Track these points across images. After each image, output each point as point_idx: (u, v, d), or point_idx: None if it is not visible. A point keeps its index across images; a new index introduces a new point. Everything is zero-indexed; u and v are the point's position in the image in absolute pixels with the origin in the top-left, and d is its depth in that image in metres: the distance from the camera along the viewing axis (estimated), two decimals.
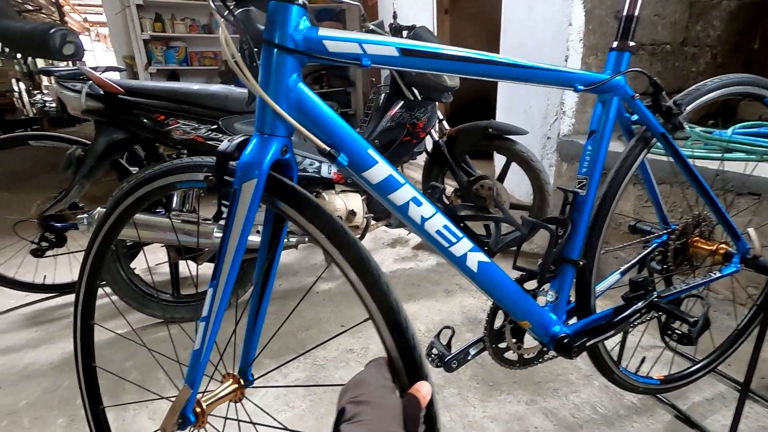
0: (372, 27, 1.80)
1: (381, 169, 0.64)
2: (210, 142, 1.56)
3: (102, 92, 1.47)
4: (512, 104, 2.50)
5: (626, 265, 1.02)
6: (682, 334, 0.86)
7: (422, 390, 0.54)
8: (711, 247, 1.00)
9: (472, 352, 0.94)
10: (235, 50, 0.57)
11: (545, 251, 0.82)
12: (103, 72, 1.54)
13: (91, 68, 1.48)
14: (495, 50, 2.53)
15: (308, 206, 0.58)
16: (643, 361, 1.09)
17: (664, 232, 1.05)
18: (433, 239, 0.71)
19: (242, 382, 0.76)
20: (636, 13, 0.78)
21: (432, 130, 1.99)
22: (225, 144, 0.60)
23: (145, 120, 1.52)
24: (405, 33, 1.90)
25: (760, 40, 2.59)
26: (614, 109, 0.80)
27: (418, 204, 0.68)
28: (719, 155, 1.58)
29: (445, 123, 2.09)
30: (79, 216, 1.50)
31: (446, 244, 0.72)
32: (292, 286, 1.95)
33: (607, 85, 0.78)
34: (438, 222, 0.70)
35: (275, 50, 0.55)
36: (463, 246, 0.73)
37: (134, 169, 1.81)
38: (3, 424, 1.18)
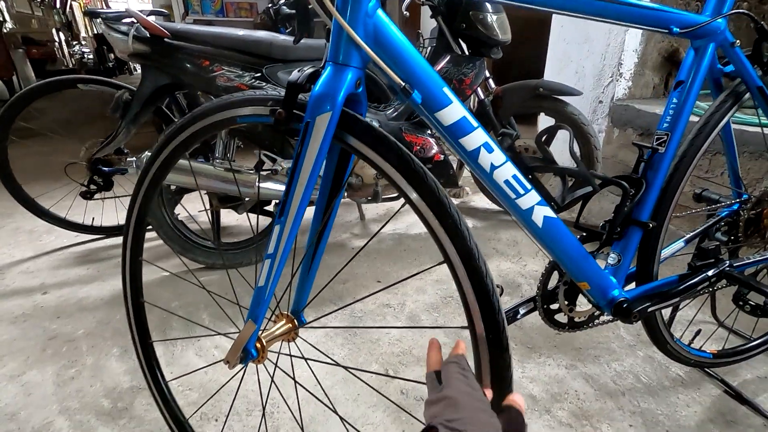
0: None
1: (455, 110, 0.61)
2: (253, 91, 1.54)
3: (148, 35, 1.46)
4: (564, 64, 2.35)
5: (691, 233, 0.96)
6: (757, 306, 0.81)
7: (518, 401, 0.51)
8: None
9: (522, 311, 0.92)
10: None
11: (615, 210, 0.78)
12: (148, 15, 1.51)
13: (138, 11, 1.46)
14: None
15: (387, 145, 0.55)
16: (698, 333, 1.05)
17: (737, 201, 0.98)
18: (501, 189, 0.68)
19: (296, 323, 0.77)
20: None
21: (478, 88, 1.90)
22: (296, 75, 0.57)
23: (189, 65, 1.50)
24: None
25: None
26: (709, 57, 0.73)
27: (490, 150, 0.65)
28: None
29: (491, 81, 1.99)
30: (128, 159, 1.53)
31: (513, 196, 0.69)
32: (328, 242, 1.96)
33: (705, 29, 0.70)
34: (508, 171, 0.67)
35: None
36: (530, 199, 0.70)
37: (177, 118, 1.82)
38: (64, 349, 1.25)
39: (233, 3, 4.25)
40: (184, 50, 1.48)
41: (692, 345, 1.02)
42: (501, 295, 0.96)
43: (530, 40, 2.67)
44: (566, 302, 0.91)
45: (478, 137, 0.63)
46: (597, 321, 0.93)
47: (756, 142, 1.46)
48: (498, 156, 0.65)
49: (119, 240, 1.94)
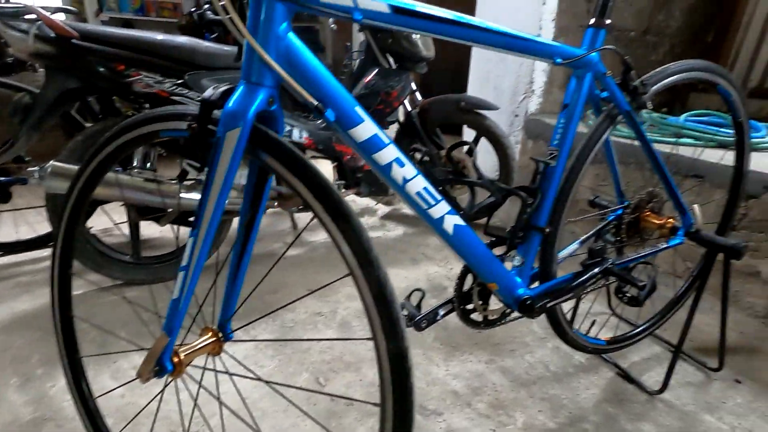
0: None
1: (367, 128, 0.65)
2: (175, 98, 1.48)
3: (53, 35, 1.35)
4: (484, 80, 2.53)
5: (585, 236, 1.09)
6: (632, 297, 0.94)
7: None
8: (660, 221, 1.08)
9: (441, 312, 0.99)
10: None
11: (516, 218, 0.87)
12: (53, 13, 1.40)
13: (41, 7, 1.35)
14: None
15: (293, 159, 0.58)
16: (593, 323, 1.18)
17: (620, 206, 1.13)
18: (413, 200, 0.73)
19: (221, 336, 0.76)
20: None
21: (405, 101, 1.99)
22: (209, 92, 0.58)
23: (102, 69, 1.42)
24: None
25: (715, 34, 2.74)
26: (588, 84, 0.84)
27: (401, 165, 0.69)
28: (673, 140, 1.70)
29: (417, 94, 2.09)
30: (29, 169, 1.40)
31: (425, 206, 0.74)
32: (259, 252, 1.93)
33: (582, 61, 0.81)
34: (419, 184, 0.72)
35: None
36: (441, 208, 0.76)
37: (88, 124, 1.70)
38: None
39: (155, 2, 4.03)
40: (97, 53, 1.39)
41: (589, 334, 1.15)
42: (422, 298, 1.02)
43: (456, 56, 2.83)
44: (480, 302, 0.99)
45: (389, 153, 0.68)
46: (508, 318, 1.03)
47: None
48: (409, 170, 0.70)
49: (18, 258, 1.77)
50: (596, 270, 0.94)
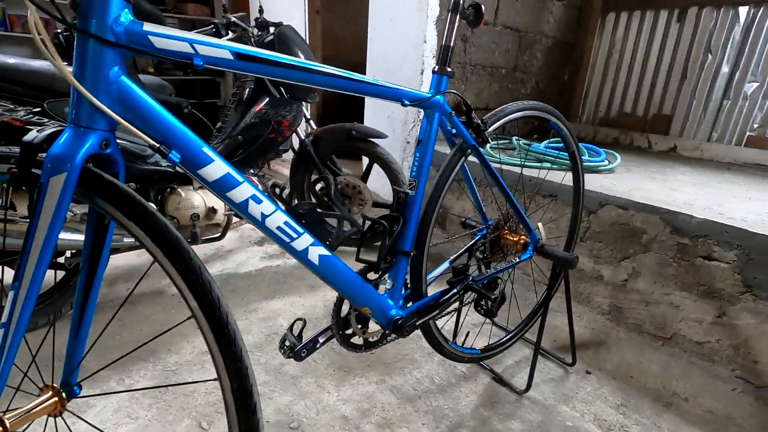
0: (234, 19, 1.76)
1: (217, 167, 0.66)
2: (31, 128, 1.34)
3: None
4: (377, 110, 2.67)
5: (454, 255, 1.21)
6: (487, 309, 1.05)
7: None
8: (515, 239, 1.24)
9: (321, 340, 1.01)
10: (41, 26, 0.53)
11: (380, 243, 0.93)
12: None
13: None
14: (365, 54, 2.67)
15: (128, 202, 0.57)
16: (467, 335, 1.29)
17: (484, 226, 1.27)
18: (275, 235, 0.76)
19: (63, 394, 0.70)
20: (452, 45, 0.93)
21: (298, 129, 2.02)
22: (33, 134, 0.56)
23: None
24: (271, 29, 1.90)
25: (569, 73, 3.23)
26: (436, 122, 0.95)
27: (258, 201, 0.72)
28: (537, 164, 1.95)
29: (312, 123, 2.14)
30: None
31: (287, 240, 0.77)
32: (143, 290, 1.78)
33: (429, 102, 0.92)
34: (279, 218, 0.75)
35: (91, 40, 0.53)
36: (304, 241, 0.79)
37: None
38: None
39: (20, 16, 3.60)
40: None
41: (465, 345, 1.26)
42: (303, 328, 1.03)
43: None
44: (359, 326, 1.03)
45: (244, 191, 0.69)
46: (389, 338, 1.08)
47: (511, 177, 1.91)
48: (267, 206, 0.73)
49: None
50: (458, 287, 1.04)
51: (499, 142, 2.38)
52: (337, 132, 2.04)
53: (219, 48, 0.63)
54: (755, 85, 2.50)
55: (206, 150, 0.65)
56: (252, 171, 1.91)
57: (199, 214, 1.64)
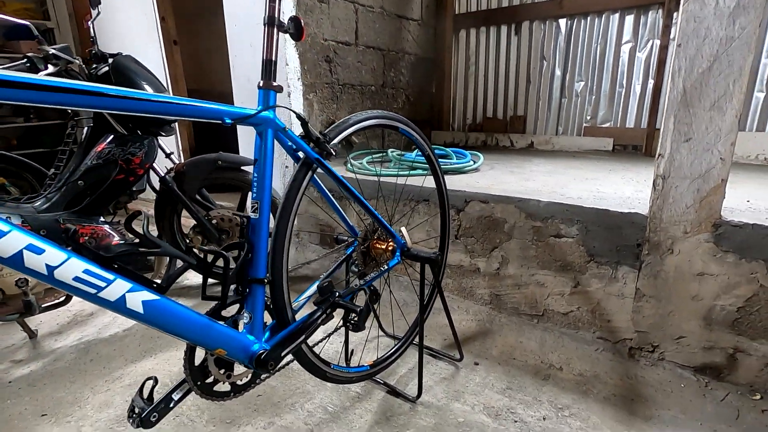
0: (53, 52, 1.55)
1: None
2: None
3: None
4: (250, 137, 2.56)
5: (324, 275, 1.16)
6: (354, 323, 1.02)
7: None
8: (384, 246, 1.24)
9: (176, 397, 0.89)
10: None
11: (223, 275, 0.85)
12: None
13: None
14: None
15: None
16: (352, 353, 1.25)
17: (354, 239, 1.25)
18: (73, 288, 0.64)
19: None
20: (274, 58, 0.90)
21: (155, 166, 1.84)
22: None
23: None
24: (110, 60, 1.72)
25: (436, 86, 3.47)
26: (270, 139, 0.91)
27: (39, 252, 0.60)
28: (407, 172, 2.01)
29: (173, 157, 1.97)
30: None
31: (93, 291, 0.66)
32: None
33: (257, 119, 0.88)
34: (75, 267, 0.63)
35: None
36: (117, 288, 0.68)
37: None
38: None
39: None
40: None
41: (350, 364, 1.21)
42: (154, 386, 0.90)
43: None
44: (222, 371, 0.92)
45: (14, 241, 0.57)
46: (262, 376, 0.99)
47: (388, 187, 1.94)
48: (54, 255, 0.61)
49: None
50: (323, 307, 0.99)
51: (375, 156, 2.43)
52: (202, 164, 1.90)
53: None
54: (582, 83, 2.92)
55: None
56: (102, 219, 1.68)
57: (28, 279, 1.38)
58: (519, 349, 1.48)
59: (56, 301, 1.50)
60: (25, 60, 1.54)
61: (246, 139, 2.62)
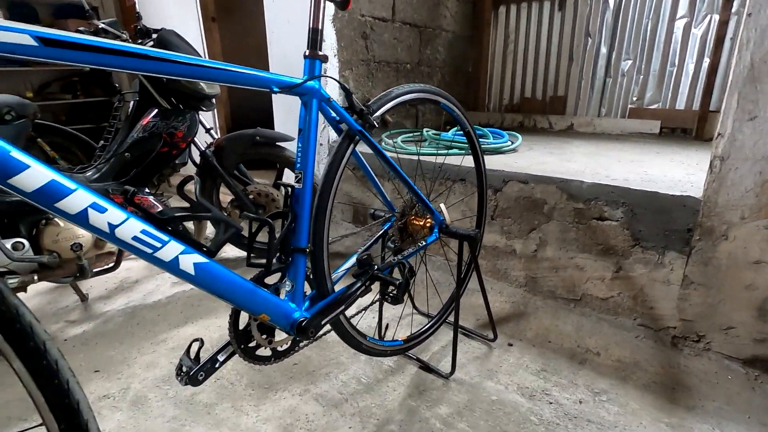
0: (102, 26, 1.60)
1: (37, 174, 0.56)
2: None
3: None
4: (287, 114, 2.59)
5: (362, 248, 1.17)
6: (393, 296, 1.03)
7: None
8: (421, 223, 1.23)
9: (221, 358, 0.93)
10: None
11: (268, 243, 0.87)
12: None
13: None
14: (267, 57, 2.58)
15: None
16: (387, 327, 1.26)
17: (392, 214, 1.25)
18: (132, 246, 0.67)
19: None
20: (320, 27, 0.89)
21: (197, 140, 1.89)
22: None
23: None
24: (154, 35, 1.75)
25: (472, 65, 3.37)
26: (315, 109, 0.91)
27: (102, 210, 0.62)
28: (445, 152, 1.98)
29: (212, 132, 2.01)
30: None
31: (149, 251, 0.68)
32: None
33: (304, 88, 0.87)
34: (133, 227, 0.66)
35: None
36: (172, 249, 0.71)
37: None
38: None
39: None
40: None
41: (385, 338, 1.22)
42: (201, 348, 0.94)
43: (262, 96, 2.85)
44: (264, 336, 0.95)
45: (80, 199, 0.60)
46: (301, 343, 1.02)
47: (425, 166, 1.92)
48: (115, 214, 0.64)
49: None
50: (363, 279, 1.00)
51: (409, 135, 2.40)
52: (240, 139, 1.93)
53: (16, 32, 0.53)
54: (629, 62, 2.77)
55: (17, 155, 0.55)
56: (147, 190, 1.74)
57: (82, 244, 1.46)
58: (554, 333, 1.45)
59: (107, 266, 1.58)
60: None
61: (282, 116, 2.64)
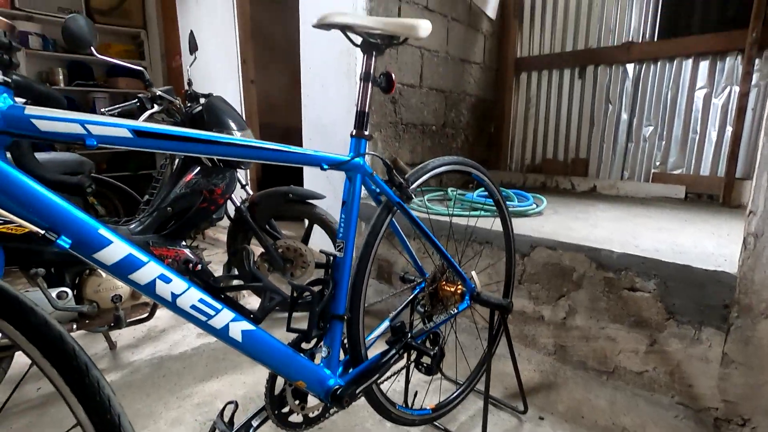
0: (159, 93, 1.75)
1: (117, 249, 0.62)
2: None
3: None
4: (316, 171, 2.70)
5: (393, 313, 1.18)
6: (427, 366, 1.03)
7: None
8: (452, 289, 1.25)
9: (255, 423, 0.93)
10: None
11: (310, 309, 0.90)
12: None
13: None
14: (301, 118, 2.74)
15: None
16: (415, 395, 1.24)
17: (422, 280, 1.28)
18: (189, 315, 0.71)
19: None
20: (366, 110, 0.98)
21: (233, 196, 1.99)
22: None
23: None
24: (202, 100, 1.92)
25: (495, 126, 3.50)
26: (359, 183, 0.97)
27: (167, 281, 0.67)
28: (467, 213, 2.03)
29: (248, 188, 2.12)
30: None
31: (204, 318, 0.72)
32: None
33: (349, 165, 0.94)
34: (193, 296, 0.70)
35: None
36: (223, 317, 0.74)
37: None
38: None
39: None
40: None
41: (413, 406, 1.20)
42: (235, 411, 0.95)
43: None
44: (297, 402, 0.96)
45: (150, 270, 0.65)
46: (331, 410, 1.01)
47: (454, 229, 1.96)
48: (178, 284, 0.68)
49: None
50: (396, 347, 1.01)
51: (435, 195, 2.47)
52: (274, 196, 2.03)
53: (115, 127, 0.61)
54: (651, 128, 2.84)
55: (103, 231, 0.61)
56: (184, 243, 1.82)
57: (122, 295, 1.52)
58: (587, 407, 1.40)
59: (141, 317, 1.62)
60: (136, 100, 1.75)
61: (311, 173, 2.76)
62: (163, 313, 2.19)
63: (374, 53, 0.97)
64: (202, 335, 1.99)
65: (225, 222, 2.13)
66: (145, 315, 1.64)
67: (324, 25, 0.90)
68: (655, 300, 1.36)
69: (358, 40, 0.96)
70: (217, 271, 2.43)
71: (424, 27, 0.96)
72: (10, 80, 0.53)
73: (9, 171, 0.53)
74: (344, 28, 0.92)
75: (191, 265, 0.88)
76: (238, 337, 0.76)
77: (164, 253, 1.72)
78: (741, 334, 1.22)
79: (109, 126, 0.61)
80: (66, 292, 1.45)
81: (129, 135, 0.62)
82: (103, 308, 1.52)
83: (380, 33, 0.95)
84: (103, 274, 1.54)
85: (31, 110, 0.54)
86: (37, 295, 1.36)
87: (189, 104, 1.92)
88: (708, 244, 1.56)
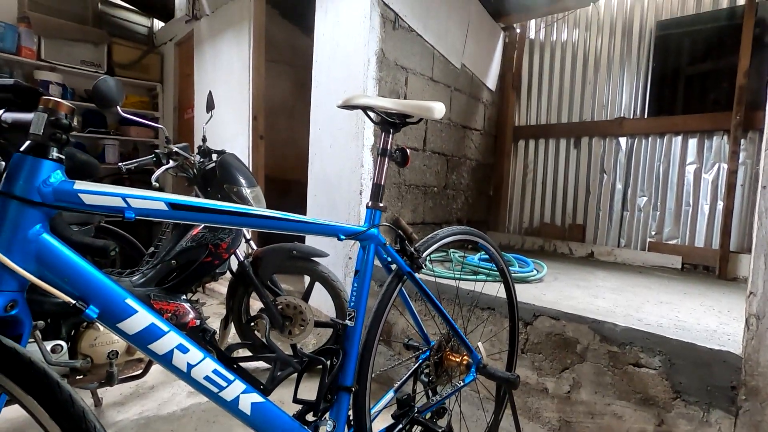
0: (176, 149, 1.82)
1: (141, 319, 0.63)
2: None
3: None
4: None
5: (398, 383, 1.16)
6: None
7: None
8: (458, 359, 1.23)
9: None
10: None
11: (320, 380, 0.88)
12: None
13: None
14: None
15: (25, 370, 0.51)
16: None
17: (427, 348, 1.26)
18: (201, 386, 0.70)
19: None
20: (382, 183, 1.03)
21: (237, 251, 2.00)
22: None
23: None
24: (214, 156, 1.98)
25: (494, 189, 3.60)
26: (372, 253, 0.99)
27: (185, 351, 0.67)
28: (473, 277, 2.04)
29: (252, 243, 2.13)
30: None
31: (216, 390, 0.71)
32: None
33: (365, 235, 0.97)
34: (207, 367, 0.70)
35: (13, 201, 0.53)
36: (234, 389, 0.73)
37: None
38: None
39: None
40: None
41: None
42: None
43: (298, 206, 3.06)
44: None
45: (170, 340, 0.65)
46: None
47: (450, 290, 1.96)
48: (194, 354, 0.68)
49: None
50: (403, 422, 0.98)
51: (438, 254, 2.49)
52: (278, 252, 2.04)
53: (153, 200, 0.64)
54: (645, 198, 2.94)
55: (130, 302, 0.62)
56: (184, 297, 1.80)
57: (118, 351, 1.48)
58: None
59: (134, 373, 1.57)
60: (153, 156, 1.81)
61: None
62: (153, 368, 2.12)
63: (391, 131, 1.04)
64: (193, 394, 1.91)
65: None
66: (139, 372, 1.59)
67: (348, 106, 0.97)
68: (661, 377, 1.34)
69: (377, 118, 1.03)
70: (214, 323, 2.39)
71: (438, 109, 1.03)
72: (63, 157, 0.57)
73: (54, 246, 0.55)
74: (365, 109, 0.99)
75: (208, 335, 0.87)
76: (248, 410, 0.75)
77: (164, 307, 1.70)
78: (751, 418, 1.20)
79: (147, 200, 0.64)
80: (60, 345, 1.41)
81: (165, 207, 0.65)
82: (97, 363, 1.47)
83: (398, 113, 1.03)
84: (101, 328, 1.51)
85: (80, 185, 0.58)
86: (32, 348, 1.33)
87: (202, 160, 1.99)
88: (710, 321, 1.57)
